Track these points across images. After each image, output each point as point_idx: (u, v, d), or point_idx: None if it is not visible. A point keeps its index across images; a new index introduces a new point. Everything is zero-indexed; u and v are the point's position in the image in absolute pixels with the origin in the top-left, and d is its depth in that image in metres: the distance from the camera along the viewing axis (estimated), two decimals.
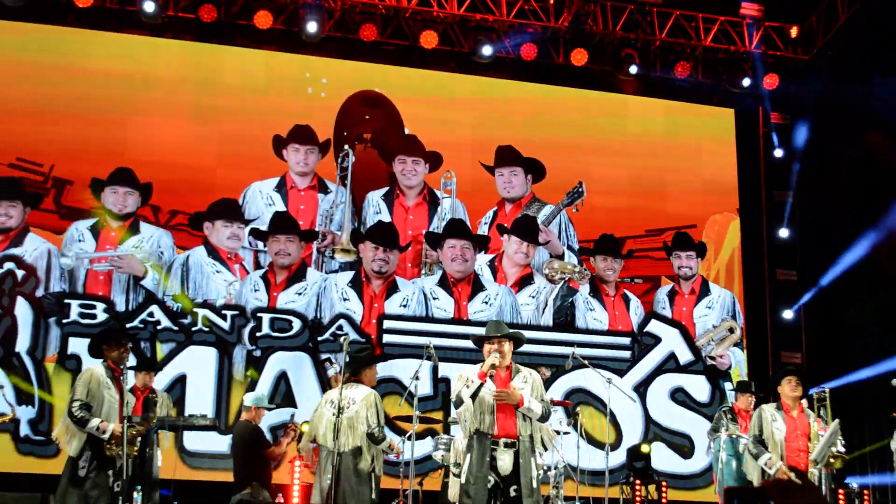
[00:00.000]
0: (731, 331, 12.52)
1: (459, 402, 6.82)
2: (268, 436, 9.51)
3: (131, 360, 9.81)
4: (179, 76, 11.95)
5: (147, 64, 11.93)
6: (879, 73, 12.74)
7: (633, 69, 12.59)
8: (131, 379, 8.71)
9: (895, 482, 10.78)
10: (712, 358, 12.37)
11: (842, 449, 8.22)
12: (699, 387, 12.14)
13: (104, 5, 11.59)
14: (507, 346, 6.92)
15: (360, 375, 8.07)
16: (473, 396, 6.71)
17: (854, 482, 10.78)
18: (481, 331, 7.01)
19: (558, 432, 9.51)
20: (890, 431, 8.65)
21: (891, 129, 12.79)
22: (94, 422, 7.35)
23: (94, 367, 7.72)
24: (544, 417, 6.87)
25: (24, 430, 10.63)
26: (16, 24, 11.53)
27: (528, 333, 10.82)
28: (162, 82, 11.89)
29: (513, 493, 6.60)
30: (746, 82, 13.00)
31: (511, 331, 7.07)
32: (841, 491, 10.11)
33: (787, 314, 12.84)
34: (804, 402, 8.65)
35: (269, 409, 9.34)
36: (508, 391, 6.72)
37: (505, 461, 6.64)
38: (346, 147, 12.14)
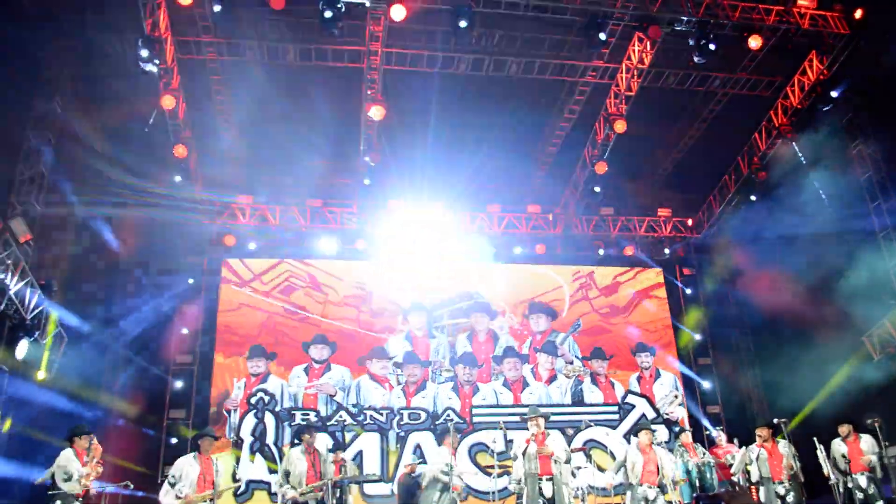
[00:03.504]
0: (676, 397, 12.90)
1: (516, 457, 7.12)
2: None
3: (326, 441, 10.78)
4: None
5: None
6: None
7: (601, 251, 13.19)
8: (330, 455, 8.71)
9: None
10: (667, 414, 12.72)
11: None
12: (661, 432, 12.37)
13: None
14: (541, 421, 7.21)
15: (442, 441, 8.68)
16: (524, 453, 7.02)
17: None
18: (524, 411, 7.49)
19: (580, 467, 9.60)
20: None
21: None
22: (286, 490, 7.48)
23: (292, 449, 7.97)
24: (568, 461, 7.08)
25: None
26: None
27: (555, 409, 12.28)
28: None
29: None
30: (667, 251, 13.86)
31: (542, 411, 7.31)
32: None
33: (708, 384, 13.40)
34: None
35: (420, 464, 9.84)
36: (544, 447, 6.99)
37: (548, 490, 6.79)
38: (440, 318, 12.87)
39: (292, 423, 11.72)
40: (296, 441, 9.57)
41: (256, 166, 12.31)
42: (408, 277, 12.93)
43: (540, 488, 6.77)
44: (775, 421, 8.12)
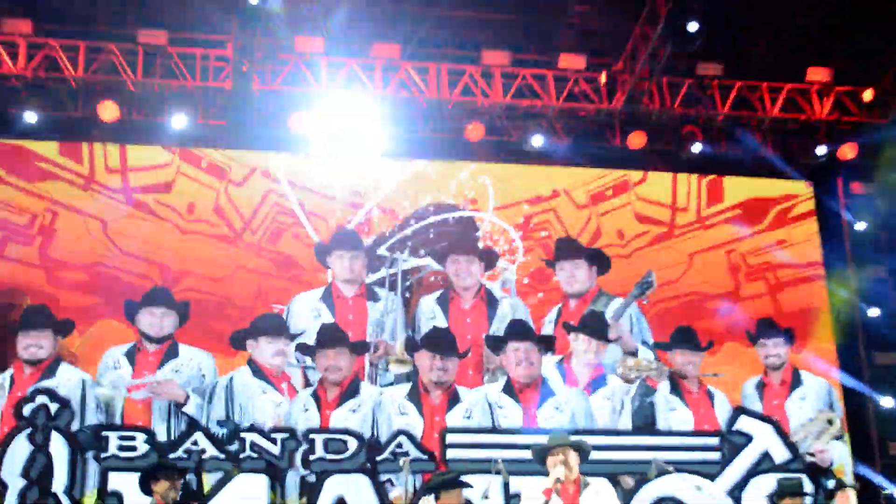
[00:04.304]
0: (830, 423, 12.33)
1: None
2: None
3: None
4: (213, 186, 12.50)
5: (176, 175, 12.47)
6: None
7: (697, 147, 12.89)
8: None
9: None
10: (811, 454, 12.00)
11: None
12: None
13: (130, 118, 12.17)
14: (573, 458, 7.09)
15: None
16: None
17: None
18: (543, 440, 7.18)
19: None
20: None
21: None
22: None
23: None
24: None
25: None
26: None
27: (604, 439, 11.37)
28: (186, 195, 12.42)
29: None
30: (822, 151, 13.32)
31: (574, 439, 7.28)
32: None
33: (890, 402, 12.88)
34: None
35: None
36: None
37: None
38: (395, 251, 12.43)
39: (103, 456, 10.59)
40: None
41: None
42: (329, 180, 12.50)
43: None
44: None
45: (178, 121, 12.37)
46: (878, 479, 12.42)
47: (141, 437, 10.99)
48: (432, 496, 8.10)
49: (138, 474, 8.49)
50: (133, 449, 10.91)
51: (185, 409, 11.47)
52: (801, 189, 13.80)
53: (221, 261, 12.42)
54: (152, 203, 12.40)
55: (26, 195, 12.32)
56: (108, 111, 12.18)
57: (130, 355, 11.56)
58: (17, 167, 12.23)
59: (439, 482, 8.22)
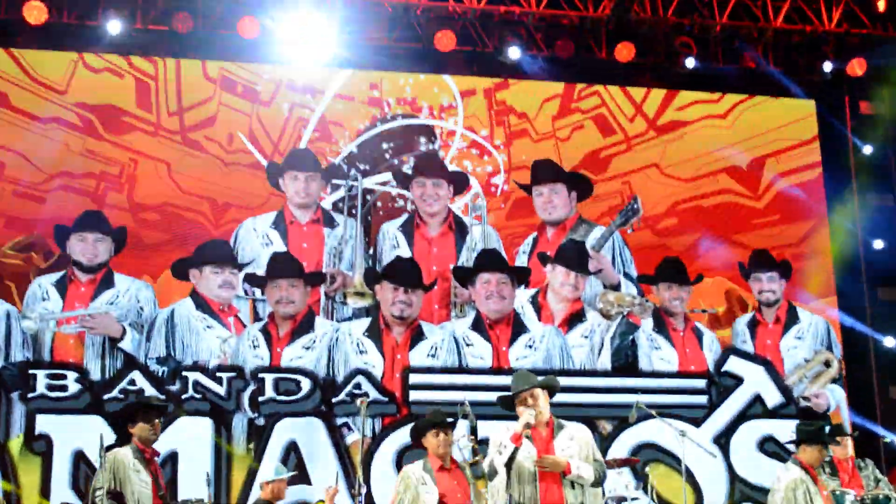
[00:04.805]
0: (828, 364, 12.34)
1: (494, 474, 6.81)
2: None
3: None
4: (148, 98, 12.23)
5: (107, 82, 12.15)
6: None
7: (691, 61, 12.59)
8: None
9: None
10: (806, 399, 12.20)
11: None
12: (793, 434, 10.52)
13: (61, 21, 11.79)
14: (543, 399, 6.89)
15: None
16: (509, 465, 6.67)
17: None
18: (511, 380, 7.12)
19: (625, 498, 9.59)
20: None
21: None
22: None
23: (118, 451, 7.73)
24: (598, 482, 6.84)
25: None
26: None
27: (582, 380, 11.99)
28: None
29: None
30: (828, 67, 12.92)
31: (541, 378, 7.07)
32: None
33: (893, 341, 12.65)
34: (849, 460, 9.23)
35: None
36: (552, 457, 6.70)
37: None
38: (354, 172, 12.26)
39: (30, 396, 10.73)
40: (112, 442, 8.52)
41: None
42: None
43: None
44: None
45: (113, 26, 11.97)
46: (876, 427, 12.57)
47: (72, 375, 10.91)
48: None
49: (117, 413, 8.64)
50: (63, 388, 10.83)
51: (121, 344, 11.14)
52: (805, 108, 13.46)
53: (258, 189, 12.30)
54: (202, 140, 12.45)
55: (113, 147, 12.40)
56: (35, 13, 11.74)
57: (60, 285, 11.23)
58: (109, 123, 12.39)
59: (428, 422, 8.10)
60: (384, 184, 12.53)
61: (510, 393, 6.99)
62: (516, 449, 6.70)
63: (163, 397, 10.89)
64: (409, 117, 12.94)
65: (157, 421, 7.84)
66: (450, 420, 8.14)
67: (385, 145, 12.63)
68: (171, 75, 12.60)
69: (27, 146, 11.93)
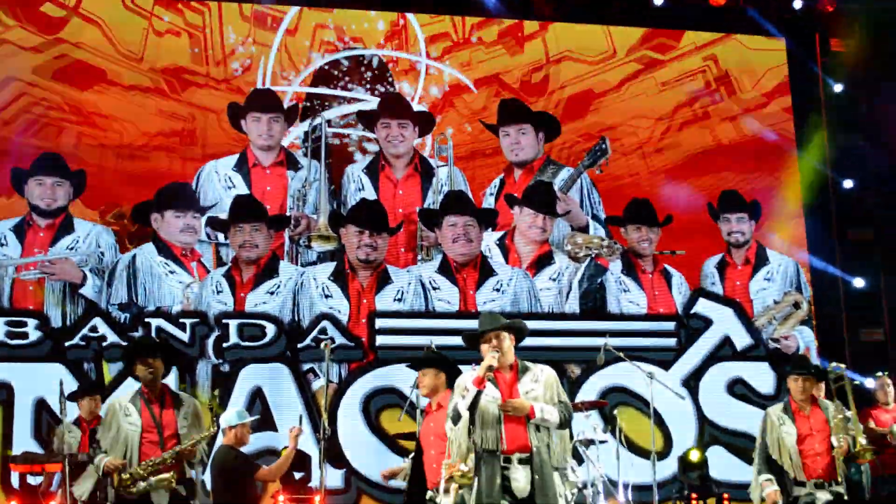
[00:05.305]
0: (797, 306, 12.36)
1: (457, 418, 6.79)
2: None
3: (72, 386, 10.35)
4: (106, 36, 11.93)
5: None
6: None
7: None
8: (74, 410, 8.85)
9: None
10: (775, 340, 12.19)
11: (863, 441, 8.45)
12: (762, 376, 11.97)
13: None
14: (508, 341, 6.83)
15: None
16: (472, 408, 6.65)
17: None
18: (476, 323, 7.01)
19: (593, 441, 9.62)
20: None
21: None
22: (97, 458, 7.47)
23: (114, 398, 7.90)
24: (564, 424, 6.82)
25: None
26: None
27: (550, 324, 12.01)
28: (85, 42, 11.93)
29: None
30: (798, 4, 12.71)
31: (507, 321, 6.99)
32: None
33: (863, 282, 12.66)
34: (820, 391, 8.99)
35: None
36: (516, 401, 6.69)
37: (520, 481, 6.60)
38: (319, 112, 12.14)
39: None
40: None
41: None
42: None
43: (505, 479, 6.61)
44: None
45: None
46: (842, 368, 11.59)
47: (32, 322, 10.87)
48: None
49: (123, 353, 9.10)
50: (23, 336, 10.78)
51: (81, 290, 11.06)
52: (773, 45, 13.38)
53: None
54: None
55: (178, 103, 12.66)
56: None
57: (19, 230, 11.08)
58: (173, 85, 12.60)
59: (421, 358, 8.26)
60: (349, 125, 12.40)
61: (479, 329, 6.92)
62: (479, 392, 6.66)
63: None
64: (371, 57, 12.73)
65: (152, 360, 7.78)
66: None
67: (343, 82, 12.51)
68: (215, 23, 12.64)
69: (126, 114, 12.11)
